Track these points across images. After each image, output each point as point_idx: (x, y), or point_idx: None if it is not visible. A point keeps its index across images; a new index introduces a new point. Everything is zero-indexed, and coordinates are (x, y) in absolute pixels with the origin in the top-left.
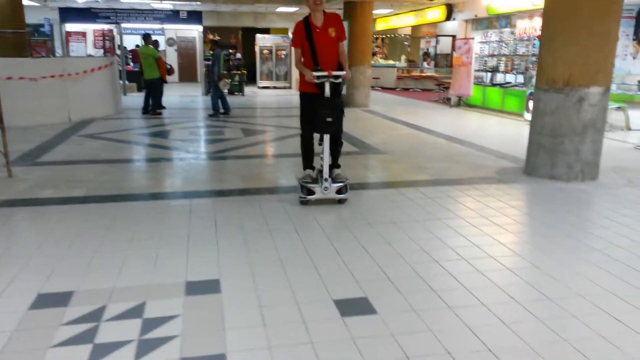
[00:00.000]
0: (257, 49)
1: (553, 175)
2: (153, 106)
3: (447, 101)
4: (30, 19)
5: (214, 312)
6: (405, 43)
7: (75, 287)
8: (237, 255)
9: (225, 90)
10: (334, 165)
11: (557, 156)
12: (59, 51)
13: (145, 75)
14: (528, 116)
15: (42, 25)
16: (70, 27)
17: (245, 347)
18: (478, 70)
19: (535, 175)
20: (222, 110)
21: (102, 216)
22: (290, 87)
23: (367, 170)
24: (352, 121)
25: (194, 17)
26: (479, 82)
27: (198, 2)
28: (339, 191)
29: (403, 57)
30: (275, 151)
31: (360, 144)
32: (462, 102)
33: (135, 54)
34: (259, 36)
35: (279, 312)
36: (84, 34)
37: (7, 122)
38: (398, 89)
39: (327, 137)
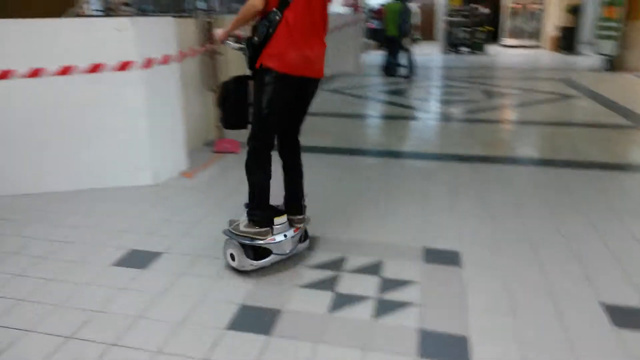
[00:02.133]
0: (504, 2)
1: None
2: (392, 64)
3: None
4: None
5: (454, 287)
6: None
7: (321, 233)
8: (479, 227)
9: (412, 46)
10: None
11: None
12: None
13: (389, 31)
14: None
15: None
16: None
17: (490, 337)
18: None
19: None
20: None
21: (344, 168)
22: (539, 47)
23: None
24: (621, 87)
25: None
26: None
27: None
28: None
29: None
30: (521, 117)
31: (631, 115)
32: None
33: (380, 12)
34: None
35: (529, 302)
36: None
37: None
38: None
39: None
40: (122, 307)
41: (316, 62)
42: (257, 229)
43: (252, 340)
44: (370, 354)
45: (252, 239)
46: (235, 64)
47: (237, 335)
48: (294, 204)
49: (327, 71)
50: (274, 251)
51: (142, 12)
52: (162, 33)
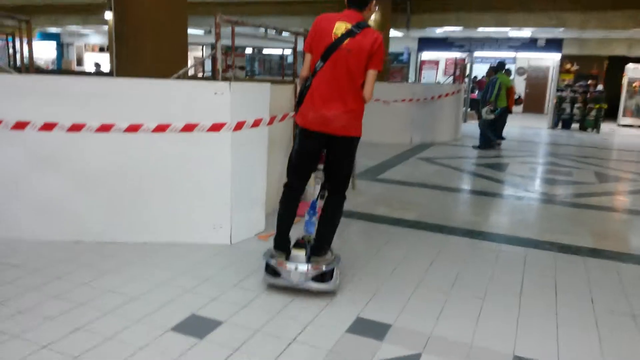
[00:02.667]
0: (624, 80)
1: None
2: (493, 136)
3: None
4: (393, 48)
5: None
6: None
7: (393, 321)
8: (584, 338)
9: (490, 117)
10: None
11: None
12: (412, 77)
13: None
14: None
15: (401, 54)
16: (425, 55)
17: None
18: None
19: None
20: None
21: (428, 245)
22: None
23: None
24: None
25: (553, 45)
26: None
27: (561, 29)
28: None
29: None
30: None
31: None
32: None
33: (481, 84)
34: (629, 66)
35: None
36: (436, 62)
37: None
38: None
39: None
40: None
41: (334, 121)
42: (274, 251)
43: None
44: None
45: (270, 257)
46: None
47: None
48: (314, 245)
49: (421, 139)
50: (282, 275)
51: (252, 76)
52: (256, 98)
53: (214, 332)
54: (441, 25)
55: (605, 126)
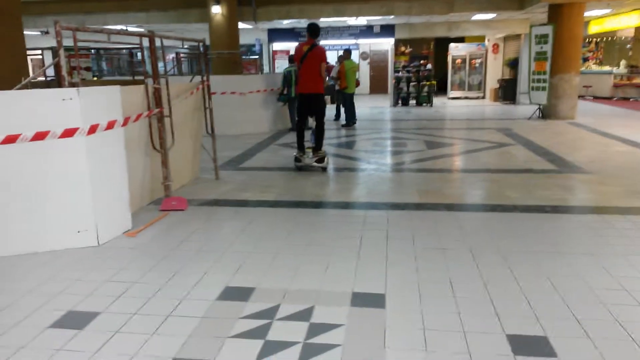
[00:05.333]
0: (449, 58)
1: None
2: (351, 118)
3: None
4: (245, 40)
5: (377, 328)
6: (628, 46)
7: (257, 285)
8: (405, 271)
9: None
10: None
11: None
12: (266, 68)
13: (349, 89)
14: None
15: (253, 45)
16: (277, 46)
17: None
18: None
19: None
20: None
21: (286, 220)
22: (483, 97)
23: (565, 192)
24: (552, 135)
25: (387, 30)
26: None
27: (391, 16)
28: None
29: (623, 63)
30: (459, 166)
31: (559, 161)
32: None
33: (329, 69)
34: (452, 45)
35: (443, 338)
36: (287, 52)
37: (218, 132)
38: (615, 99)
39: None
40: None
41: (308, 88)
42: (298, 151)
43: None
44: None
45: (297, 154)
46: (182, 125)
47: None
48: (313, 147)
49: (278, 126)
50: (302, 161)
51: (100, 76)
52: (107, 100)
53: (93, 322)
54: (286, 17)
55: (438, 100)
